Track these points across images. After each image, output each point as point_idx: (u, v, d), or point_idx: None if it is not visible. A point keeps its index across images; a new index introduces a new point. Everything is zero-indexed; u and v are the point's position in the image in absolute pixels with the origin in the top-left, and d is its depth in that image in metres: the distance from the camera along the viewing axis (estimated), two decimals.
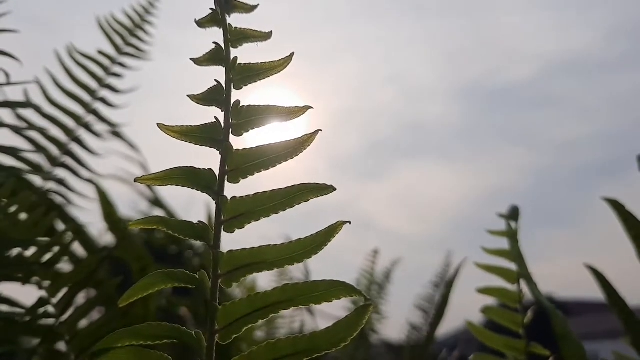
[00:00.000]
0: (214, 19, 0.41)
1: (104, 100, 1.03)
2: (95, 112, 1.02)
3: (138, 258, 0.96)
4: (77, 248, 0.97)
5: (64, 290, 0.70)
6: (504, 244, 0.71)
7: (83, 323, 0.71)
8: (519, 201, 0.74)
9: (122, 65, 1.05)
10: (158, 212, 1.22)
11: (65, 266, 0.77)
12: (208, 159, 0.40)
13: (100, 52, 1.04)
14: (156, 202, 1.21)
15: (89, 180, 1.01)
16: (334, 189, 0.39)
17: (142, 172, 1.05)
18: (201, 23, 0.40)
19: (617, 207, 0.66)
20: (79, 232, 0.95)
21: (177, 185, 0.39)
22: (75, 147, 1.00)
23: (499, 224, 0.72)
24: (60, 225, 0.91)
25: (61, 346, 0.70)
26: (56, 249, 0.70)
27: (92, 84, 1.03)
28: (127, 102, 1.05)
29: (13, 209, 0.70)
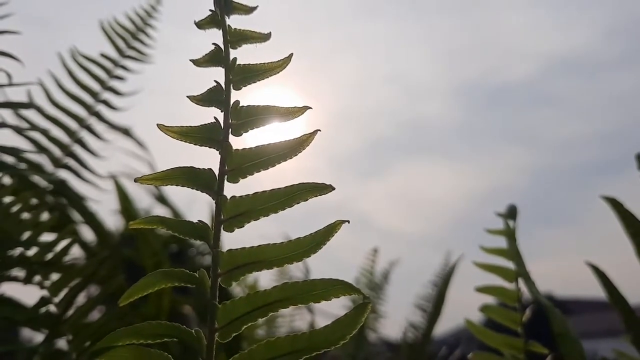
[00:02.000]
0: (213, 20, 0.41)
1: (106, 103, 1.03)
2: (97, 114, 1.03)
3: (153, 254, 0.97)
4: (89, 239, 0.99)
5: (65, 290, 0.70)
6: (502, 242, 0.71)
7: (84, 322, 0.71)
8: (519, 200, 0.74)
9: (124, 68, 1.05)
10: (162, 210, 1.23)
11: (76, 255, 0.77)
12: (211, 158, 0.41)
13: (103, 55, 1.04)
14: (161, 199, 1.21)
15: (110, 176, 1.02)
16: (333, 188, 0.39)
17: (149, 170, 1.05)
18: (200, 24, 0.41)
19: (616, 205, 0.66)
20: (93, 222, 0.96)
21: (177, 185, 0.40)
22: (77, 149, 1.00)
23: (498, 223, 0.72)
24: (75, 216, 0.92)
25: (63, 345, 0.70)
26: (60, 246, 0.70)
27: (95, 86, 1.03)
28: (129, 104, 1.05)
29: (15, 208, 0.70)
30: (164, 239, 1.24)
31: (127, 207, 1.05)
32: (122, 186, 1.03)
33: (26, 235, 0.70)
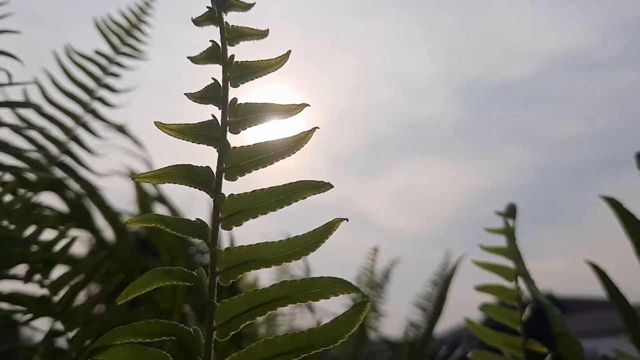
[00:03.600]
0: (210, 17, 0.41)
1: (102, 100, 1.04)
2: (93, 112, 1.03)
3: (169, 249, 0.97)
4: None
5: (65, 288, 0.70)
6: (502, 241, 0.71)
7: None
8: (518, 199, 0.74)
9: (119, 65, 1.05)
10: (161, 209, 1.23)
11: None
12: (210, 156, 0.41)
13: (98, 52, 1.04)
14: (159, 198, 1.21)
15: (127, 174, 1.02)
16: (331, 186, 0.39)
17: (146, 169, 1.05)
18: (198, 21, 0.41)
19: (616, 205, 0.66)
20: (108, 214, 0.96)
21: (175, 183, 0.39)
22: (74, 146, 1.00)
23: (497, 221, 0.72)
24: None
25: (63, 344, 0.70)
26: (60, 245, 0.70)
27: (90, 83, 1.03)
28: (125, 101, 1.05)
29: (15, 207, 0.70)
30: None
31: (144, 201, 1.05)
32: (140, 182, 1.03)
33: (27, 233, 0.70)
